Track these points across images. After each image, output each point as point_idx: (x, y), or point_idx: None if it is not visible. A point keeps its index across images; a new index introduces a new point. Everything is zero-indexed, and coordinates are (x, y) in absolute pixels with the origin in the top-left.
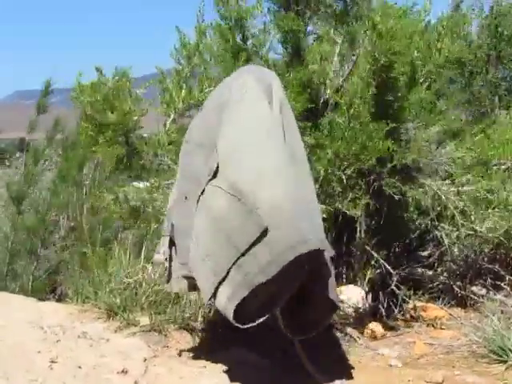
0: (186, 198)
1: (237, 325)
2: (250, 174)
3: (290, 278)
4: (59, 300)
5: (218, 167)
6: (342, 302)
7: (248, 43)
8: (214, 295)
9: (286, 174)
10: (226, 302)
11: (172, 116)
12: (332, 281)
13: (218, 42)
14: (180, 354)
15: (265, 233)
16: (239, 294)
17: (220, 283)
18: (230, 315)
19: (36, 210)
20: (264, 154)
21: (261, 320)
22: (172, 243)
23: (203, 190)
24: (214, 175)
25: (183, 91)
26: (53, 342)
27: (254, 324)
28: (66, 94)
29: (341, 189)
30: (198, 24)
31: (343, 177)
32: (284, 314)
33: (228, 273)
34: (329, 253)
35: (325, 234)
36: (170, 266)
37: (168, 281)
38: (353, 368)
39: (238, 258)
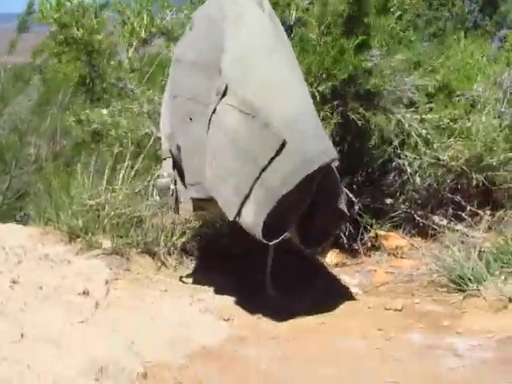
0: (190, 119)
1: (264, 241)
2: (260, 89)
3: (307, 189)
4: (24, 223)
5: (226, 86)
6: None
7: None
8: (239, 214)
9: (294, 85)
10: (253, 218)
11: (134, 44)
12: (339, 189)
13: None
14: (141, 278)
15: (283, 146)
16: (265, 208)
17: (244, 201)
18: (259, 231)
19: (12, 130)
20: (271, 68)
21: (285, 234)
22: (175, 165)
23: (214, 110)
24: (224, 94)
25: (145, 20)
26: (14, 263)
27: (280, 239)
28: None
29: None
30: None
31: (316, 94)
32: (296, 226)
33: (251, 190)
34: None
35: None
36: (176, 189)
37: (176, 203)
38: (313, 293)
39: (260, 174)
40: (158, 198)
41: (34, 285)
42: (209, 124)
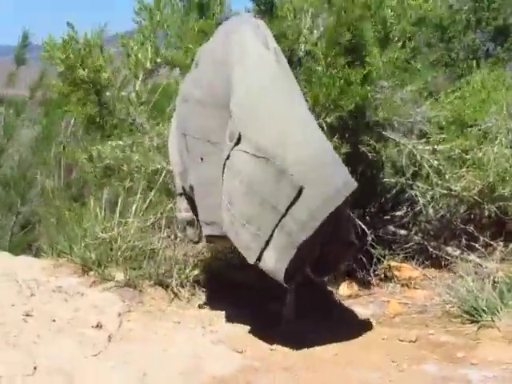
0: (201, 159)
1: (286, 285)
2: (273, 134)
3: (324, 228)
4: (35, 256)
5: (240, 134)
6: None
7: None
8: (259, 258)
9: (307, 127)
10: (275, 265)
11: (141, 77)
12: (348, 219)
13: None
14: (154, 310)
15: (301, 191)
16: (287, 255)
17: (265, 247)
18: (281, 277)
19: (17, 165)
20: (283, 112)
21: (301, 274)
22: (190, 202)
23: (228, 156)
24: (238, 141)
25: (149, 51)
26: (27, 295)
27: (296, 279)
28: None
29: None
30: None
31: (323, 125)
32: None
33: (271, 236)
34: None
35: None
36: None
37: (199, 237)
38: (327, 325)
39: (280, 220)
40: (179, 232)
41: (47, 317)
42: (223, 169)
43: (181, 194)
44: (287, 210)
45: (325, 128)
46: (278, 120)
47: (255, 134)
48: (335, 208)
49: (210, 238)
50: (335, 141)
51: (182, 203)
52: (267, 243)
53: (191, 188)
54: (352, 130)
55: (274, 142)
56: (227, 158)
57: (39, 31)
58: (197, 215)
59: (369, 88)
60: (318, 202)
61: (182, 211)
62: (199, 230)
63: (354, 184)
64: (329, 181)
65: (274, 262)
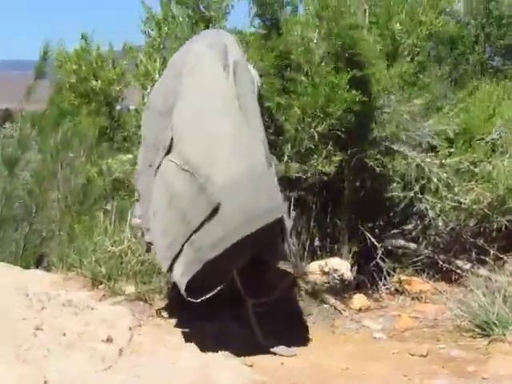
0: (150, 165)
1: (189, 299)
2: (203, 148)
3: (245, 250)
4: (46, 270)
5: (172, 141)
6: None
7: (211, 12)
8: (171, 269)
9: (239, 146)
10: (180, 277)
11: (149, 88)
12: (283, 248)
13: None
14: (165, 324)
15: (216, 209)
16: (192, 269)
17: (175, 258)
18: (182, 289)
19: (31, 177)
20: (215, 127)
21: (214, 292)
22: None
23: (159, 164)
24: (169, 149)
25: (157, 63)
26: (38, 309)
27: (206, 297)
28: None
29: (313, 146)
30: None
31: (315, 134)
32: (243, 279)
33: (182, 248)
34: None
35: (281, 196)
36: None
37: (148, 244)
38: (338, 340)
39: (191, 235)
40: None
41: (57, 331)
42: (154, 176)
43: (137, 200)
44: (200, 225)
45: (316, 137)
46: (209, 137)
47: (185, 147)
48: (253, 232)
49: (149, 246)
50: (328, 149)
51: (137, 209)
52: (177, 255)
53: (138, 192)
54: (359, 145)
55: (201, 158)
56: (158, 167)
57: (54, 34)
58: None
59: (357, 93)
60: (235, 223)
61: (137, 217)
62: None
63: (281, 211)
64: (251, 204)
65: (180, 275)
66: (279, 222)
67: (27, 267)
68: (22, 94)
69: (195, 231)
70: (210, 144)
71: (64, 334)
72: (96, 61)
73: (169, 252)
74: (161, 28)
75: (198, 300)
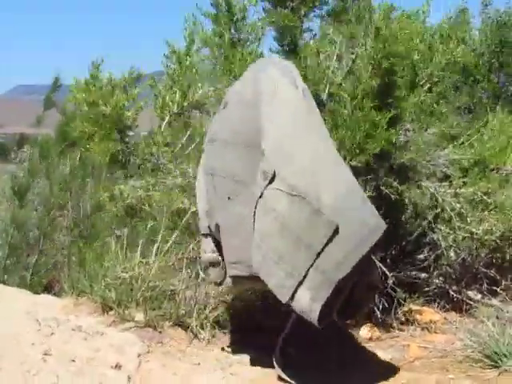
0: (229, 198)
1: (318, 326)
2: (306, 173)
3: (358, 268)
4: (57, 295)
5: (275, 173)
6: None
7: (242, 37)
8: (292, 297)
9: (338, 166)
10: (310, 304)
11: (167, 119)
12: (372, 262)
13: (213, 34)
14: (174, 351)
15: (336, 231)
16: (323, 294)
17: (299, 285)
18: (315, 316)
19: (41, 205)
20: (314, 151)
21: (334, 315)
22: (215, 242)
23: (261, 194)
24: (272, 180)
25: (177, 94)
26: (47, 334)
27: (330, 320)
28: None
29: None
30: (188, 30)
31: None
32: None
33: (306, 275)
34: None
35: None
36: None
37: (223, 278)
38: (348, 368)
39: (315, 259)
40: (202, 273)
41: (66, 357)
42: (255, 207)
43: (205, 235)
44: (323, 249)
45: None
46: (310, 159)
47: (288, 173)
48: (369, 248)
49: (236, 279)
50: (360, 184)
51: (207, 244)
52: (301, 282)
53: (217, 227)
54: (375, 173)
55: (306, 181)
56: (260, 197)
57: (72, 70)
58: (222, 255)
59: (394, 131)
60: (353, 242)
61: (207, 252)
62: (224, 271)
63: (383, 225)
64: (362, 221)
65: (309, 301)
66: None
67: (37, 292)
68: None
69: (318, 255)
70: (313, 166)
71: (73, 360)
72: (106, 86)
73: (288, 281)
74: (181, 62)
75: (322, 326)
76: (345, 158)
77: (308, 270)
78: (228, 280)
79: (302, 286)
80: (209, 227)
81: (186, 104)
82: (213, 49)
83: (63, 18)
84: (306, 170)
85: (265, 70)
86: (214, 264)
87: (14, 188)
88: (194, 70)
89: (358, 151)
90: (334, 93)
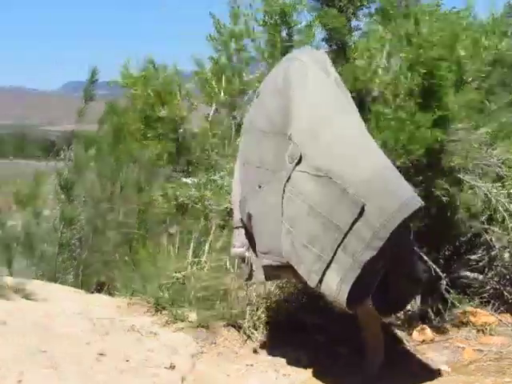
0: (259, 186)
1: (347, 308)
2: (333, 152)
3: (386, 250)
4: (108, 294)
5: (301, 154)
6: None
7: (293, 38)
8: (321, 281)
9: (366, 145)
10: (339, 286)
11: (214, 107)
12: (414, 255)
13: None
14: (227, 352)
15: (363, 209)
16: (351, 274)
17: (327, 268)
18: (344, 298)
19: (89, 201)
20: (341, 131)
21: (366, 300)
22: (248, 234)
23: (289, 178)
24: (299, 161)
25: (223, 81)
26: (101, 334)
27: (361, 305)
28: (111, 89)
29: None
30: (233, 9)
31: None
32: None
33: (334, 256)
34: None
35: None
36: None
37: (250, 273)
38: (401, 372)
39: (343, 239)
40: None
41: (120, 357)
42: (283, 192)
43: (237, 227)
44: (350, 228)
45: None
46: (338, 138)
47: (315, 154)
48: (398, 224)
49: (269, 270)
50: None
51: (238, 237)
52: (329, 264)
53: (249, 217)
54: (426, 174)
55: (333, 161)
56: (287, 180)
57: (112, 62)
58: (254, 247)
59: (439, 131)
60: (381, 219)
61: (236, 246)
62: (250, 267)
63: (418, 201)
64: (391, 196)
65: (338, 284)
66: (419, 210)
67: (89, 290)
68: (84, 116)
69: (345, 235)
70: (340, 146)
71: (127, 360)
72: (163, 87)
73: (317, 264)
74: (227, 44)
75: (353, 310)
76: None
77: (336, 251)
78: (258, 275)
79: (330, 267)
80: (241, 219)
81: (233, 91)
82: (263, 53)
83: (116, 16)
84: (333, 149)
85: (296, 59)
86: (243, 259)
87: (61, 184)
88: (240, 54)
89: (402, 151)
90: (382, 92)
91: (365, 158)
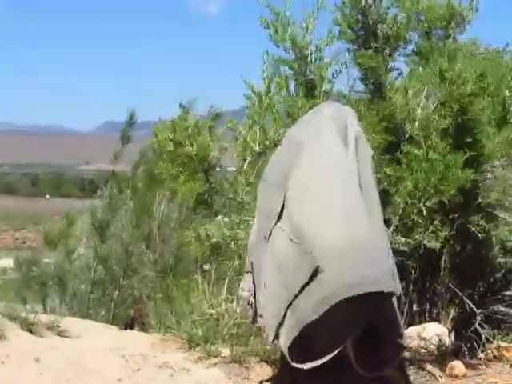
0: (265, 237)
1: (297, 365)
2: (313, 216)
3: (353, 317)
4: (141, 330)
5: (282, 209)
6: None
7: (315, 78)
8: (277, 337)
9: (350, 216)
10: (283, 343)
11: (248, 158)
12: (397, 321)
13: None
14: None
15: (316, 272)
16: (292, 333)
17: (280, 325)
18: (287, 355)
19: (120, 240)
20: (330, 196)
21: (324, 359)
22: (253, 280)
23: (270, 233)
24: (279, 217)
25: (258, 134)
26: (134, 370)
27: (317, 364)
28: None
29: (421, 221)
30: (266, 75)
31: (423, 209)
32: (357, 352)
33: (285, 315)
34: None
35: (395, 276)
36: (255, 302)
37: (254, 317)
38: None
39: (293, 300)
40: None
41: None
42: (266, 247)
43: (247, 272)
44: (301, 290)
45: (424, 212)
46: (324, 207)
47: (297, 214)
48: (351, 297)
49: (255, 317)
50: (436, 224)
51: (246, 282)
52: (281, 323)
53: (251, 265)
54: (461, 210)
55: (310, 226)
56: (269, 235)
57: (155, 101)
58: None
59: (470, 172)
60: (335, 286)
61: (244, 290)
62: (253, 312)
63: (388, 286)
64: (354, 271)
65: (284, 342)
66: (388, 294)
67: (120, 327)
68: (121, 155)
69: (295, 296)
70: (320, 212)
71: None
72: (193, 127)
73: (273, 320)
74: (262, 101)
75: (306, 367)
76: (420, 200)
77: (286, 311)
78: (260, 319)
79: (282, 326)
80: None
81: (267, 143)
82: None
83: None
84: (314, 214)
85: (317, 115)
86: (249, 303)
87: (95, 224)
88: (273, 110)
89: (433, 192)
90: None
91: (345, 226)
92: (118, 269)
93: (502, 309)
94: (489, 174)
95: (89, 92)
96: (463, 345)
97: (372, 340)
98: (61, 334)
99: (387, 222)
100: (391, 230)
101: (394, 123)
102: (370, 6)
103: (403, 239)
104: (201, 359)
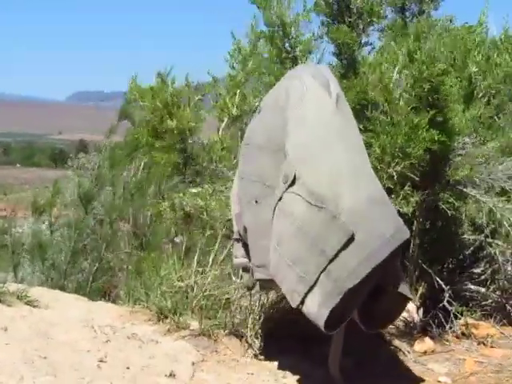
0: (256, 201)
1: (326, 331)
2: (327, 179)
3: (372, 277)
4: (112, 302)
5: (295, 175)
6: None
7: (296, 51)
8: (303, 302)
9: (362, 173)
10: (318, 310)
11: (225, 121)
12: (400, 272)
13: (268, 51)
14: (228, 360)
15: (352, 238)
16: (331, 300)
17: (309, 290)
18: (322, 323)
19: (104, 213)
20: (337, 156)
21: (344, 323)
22: (245, 246)
23: (281, 197)
24: (292, 183)
25: (237, 97)
26: (102, 341)
27: (338, 329)
28: (121, 98)
29: (392, 186)
30: (252, 31)
31: (394, 174)
32: (358, 309)
33: (317, 280)
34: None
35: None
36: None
37: (254, 283)
38: (401, 382)
39: (327, 265)
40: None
41: (121, 364)
42: (274, 210)
43: (237, 239)
44: (336, 255)
45: (395, 177)
46: (332, 165)
47: (309, 178)
48: (386, 257)
49: (262, 283)
50: (406, 190)
51: (239, 249)
52: (312, 287)
53: (245, 230)
54: (431, 188)
55: (326, 188)
56: (279, 200)
57: (123, 72)
58: (250, 259)
59: (435, 133)
60: (368, 250)
61: (239, 257)
62: (252, 276)
63: (406, 233)
64: (380, 229)
65: (317, 307)
66: (406, 243)
67: (95, 299)
68: (93, 125)
69: (331, 261)
70: (334, 173)
71: (128, 368)
72: (172, 98)
73: (300, 284)
74: (245, 63)
75: (331, 332)
76: (389, 165)
77: (319, 275)
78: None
79: (313, 291)
80: (238, 231)
81: (245, 107)
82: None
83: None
84: (327, 176)
85: (298, 76)
86: (245, 269)
87: (80, 195)
88: (257, 73)
89: (401, 155)
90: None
91: (359, 188)
92: (97, 241)
93: (471, 286)
94: (459, 151)
95: (58, 65)
96: (431, 321)
97: (372, 296)
98: (30, 303)
99: None
100: None
101: (367, 99)
102: None
103: None
104: (170, 331)
